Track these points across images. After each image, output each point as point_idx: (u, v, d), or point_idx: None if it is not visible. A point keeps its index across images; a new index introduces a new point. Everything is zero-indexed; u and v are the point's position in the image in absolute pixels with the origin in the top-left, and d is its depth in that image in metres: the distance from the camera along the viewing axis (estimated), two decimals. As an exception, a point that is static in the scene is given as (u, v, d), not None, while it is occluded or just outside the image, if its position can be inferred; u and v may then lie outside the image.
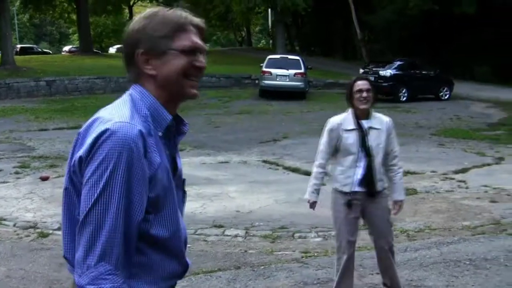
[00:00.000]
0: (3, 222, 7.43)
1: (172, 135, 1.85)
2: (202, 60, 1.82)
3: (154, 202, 1.72)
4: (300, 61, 24.80)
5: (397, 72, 24.01)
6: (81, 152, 1.67)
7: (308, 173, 10.37)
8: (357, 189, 4.56)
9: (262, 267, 5.77)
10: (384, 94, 22.40)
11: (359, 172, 4.55)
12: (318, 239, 6.90)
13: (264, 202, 8.49)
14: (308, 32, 49.17)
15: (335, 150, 4.63)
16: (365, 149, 4.53)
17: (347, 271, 4.69)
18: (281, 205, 8.32)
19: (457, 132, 16.41)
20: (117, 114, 1.71)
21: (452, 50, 32.76)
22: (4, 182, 9.54)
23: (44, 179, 9.63)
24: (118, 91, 19.24)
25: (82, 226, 1.64)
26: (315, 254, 6.27)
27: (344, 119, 4.62)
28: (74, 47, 56.05)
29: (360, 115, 4.58)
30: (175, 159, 1.89)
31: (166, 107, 1.80)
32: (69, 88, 25.12)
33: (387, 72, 24.05)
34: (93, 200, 1.62)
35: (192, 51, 1.79)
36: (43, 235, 6.86)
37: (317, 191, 4.68)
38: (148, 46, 1.77)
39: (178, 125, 1.91)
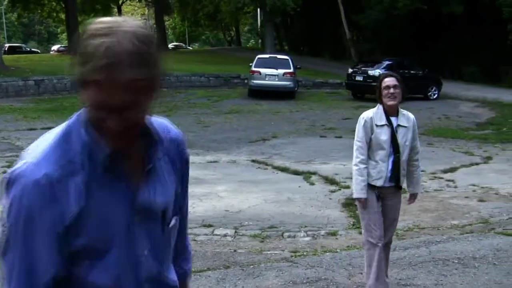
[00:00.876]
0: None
1: (119, 167, 1.48)
2: (114, 122, 1.39)
3: (85, 249, 1.48)
4: (289, 60, 24.75)
5: (386, 72, 24.02)
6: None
7: (296, 173, 10.54)
8: (387, 184, 4.71)
9: (251, 266, 5.76)
10: (373, 94, 22.40)
11: (389, 167, 4.69)
12: (307, 239, 6.91)
13: (253, 201, 8.48)
14: (297, 32, 49.16)
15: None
16: (394, 145, 4.67)
17: (382, 260, 4.80)
18: (270, 205, 8.31)
19: (445, 131, 16.49)
20: (36, 150, 1.47)
21: (441, 50, 32.89)
22: (-9, 182, 9.46)
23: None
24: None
25: None
26: (304, 253, 6.28)
27: (375, 113, 4.72)
28: (63, 47, 55.82)
29: (389, 112, 4.69)
30: (135, 193, 1.52)
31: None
32: (57, 88, 24.94)
33: (376, 71, 24.04)
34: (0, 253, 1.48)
35: (100, 108, 1.40)
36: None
37: (365, 188, 4.69)
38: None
39: (152, 148, 1.55)
